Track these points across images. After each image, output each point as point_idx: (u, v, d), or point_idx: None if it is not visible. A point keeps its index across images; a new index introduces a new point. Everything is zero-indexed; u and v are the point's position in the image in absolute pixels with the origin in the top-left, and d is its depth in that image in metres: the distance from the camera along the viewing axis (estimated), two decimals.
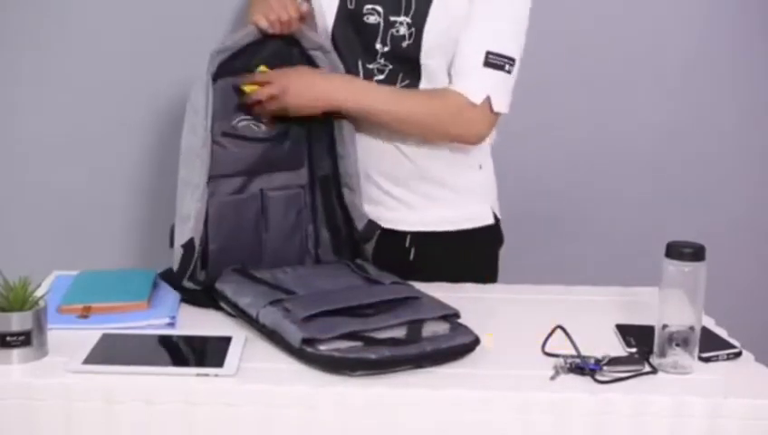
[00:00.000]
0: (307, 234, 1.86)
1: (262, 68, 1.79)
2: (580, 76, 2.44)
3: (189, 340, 1.54)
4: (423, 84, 1.85)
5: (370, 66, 1.85)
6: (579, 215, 2.50)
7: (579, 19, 2.41)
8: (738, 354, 1.53)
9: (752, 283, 2.55)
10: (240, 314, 1.60)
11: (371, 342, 1.44)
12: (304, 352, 1.43)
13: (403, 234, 1.92)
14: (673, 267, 1.43)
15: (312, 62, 1.83)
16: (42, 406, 1.36)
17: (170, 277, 1.70)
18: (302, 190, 1.86)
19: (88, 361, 1.42)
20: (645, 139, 2.48)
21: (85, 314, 1.60)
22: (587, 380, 1.42)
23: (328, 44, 1.83)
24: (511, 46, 1.81)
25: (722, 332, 1.63)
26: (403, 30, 1.82)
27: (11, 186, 2.43)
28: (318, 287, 1.64)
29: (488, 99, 1.80)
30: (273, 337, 1.50)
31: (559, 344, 1.53)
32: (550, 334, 1.54)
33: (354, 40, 1.84)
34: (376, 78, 1.85)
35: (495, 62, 1.79)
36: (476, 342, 1.49)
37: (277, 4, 1.76)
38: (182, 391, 1.37)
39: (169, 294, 1.70)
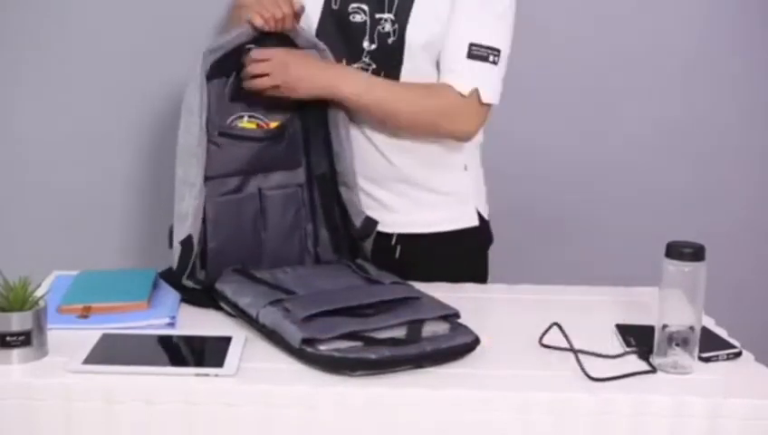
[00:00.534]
0: (306, 233, 1.86)
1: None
2: (580, 76, 2.44)
3: (189, 340, 1.54)
4: (403, 76, 1.84)
5: (355, 65, 1.86)
6: (579, 215, 2.50)
7: (578, 19, 2.41)
8: (738, 354, 1.53)
9: (752, 283, 2.55)
10: (240, 314, 1.60)
11: (371, 342, 1.44)
12: (304, 352, 1.43)
13: (388, 234, 1.92)
14: (673, 267, 1.43)
15: None
16: (42, 406, 1.36)
17: (170, 276, 1.70)
18: (301, 189, 1.86)
19: (88, 361, 1.42)
20: (645, 139, 2.48)
21: (85, 314, 1.60)
22: (587, 379, 1.42)
23: (322, 43, 1.83)
24: (495, 38, 1.82)
25: (722, 332, 1.63)
26: (388, 27, 1.82)
27: (11, 186, 2.43)
28: (318, 287, 1.64)
29: (476, 91, 1.81)
30: (273, 337, 1.50)
31: (559, 340, 1.53)
32: (546, 330, 1.54)
33: (339, 40, 1.85)
34: None
35: (479, 53, 1.80)
36: (476, 342, 1.49)
37: (271, 2, 1.76)
38: (182, 391, 1.37)
39: (169, 294, 1.70)
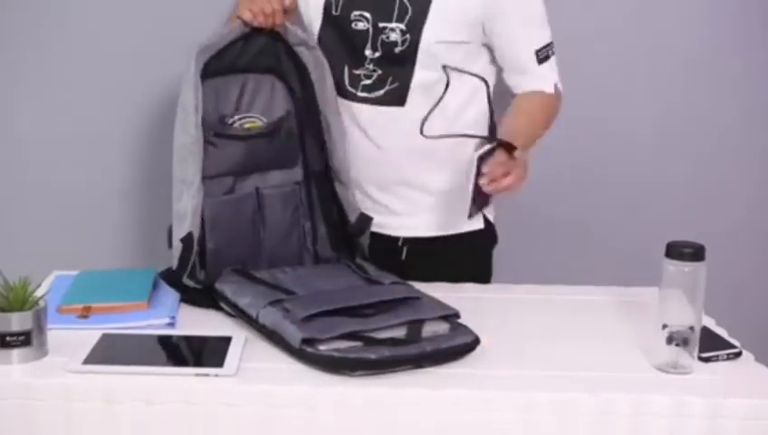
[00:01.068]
0: (305, 231, 1.86)
1: None
2: (580, 76, 2.42)
3: (189, 340, 1.54)
4: (415, 82, 1.85)
5: (357, 72, 1.86)
6: (579, 215, 2.50)
7: (578, 19, 2.41)
8: (738, 354, 1.53)
9: (752, 283, 2.55)
10: (240, 314, 1.60)
11: (371, 342, 1.44)
12: (304, 353, 1.43)
13: (395, 237, 1.93)
14: (673, 267, 1.43)
15: (296, 58, 1.83)
16: (42, 406, 1.36)
17: (170, 276, 1.70)
18: (298, 187, 1.86)
19: (88, 361, 1.42)
20: (645, 138, 2.48)
21: (85, 314, 1.60)
22: (587, 379, 1.42)
23: (312, 40, 1.83)
24: (546, 33, 1.93)
25: (722, 332, 1.63)
26: (395, 36, 1.83)
27: (11, 186, 2.43)
28: (318, 287, 1.64)
29: (556, 86, 1.93)
30: (273, 337, 1.50)
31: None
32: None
33: (340, 46, 1.85)
34: (363, 83, 1.87)
35: (544, 55, 1.93)
36: (476, 342, 1.49)
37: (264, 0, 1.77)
38: (182, 391, 1.37)
39: (169, 294, 1.70)
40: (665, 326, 1.45)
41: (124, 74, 2.36)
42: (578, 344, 1.56)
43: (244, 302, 1.59)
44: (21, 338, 1.41)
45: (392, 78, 1.85)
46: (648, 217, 2.49)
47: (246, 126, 1.81)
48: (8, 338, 1.40)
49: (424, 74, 1.85)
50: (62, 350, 1.45)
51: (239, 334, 1.53)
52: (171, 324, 1.60)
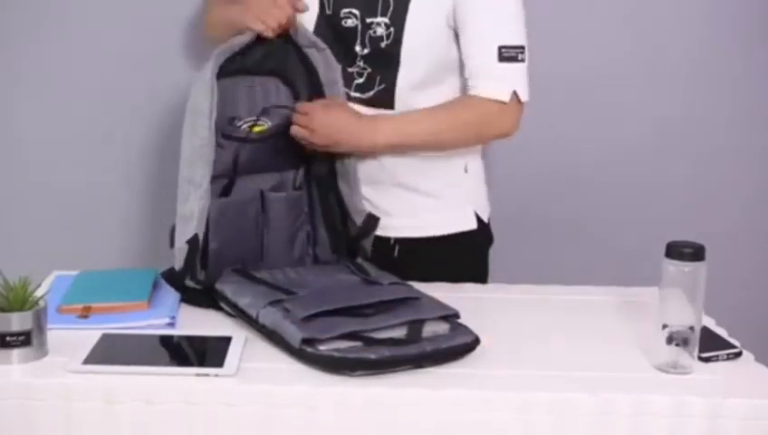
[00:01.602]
0: (306, 234, 1.86)
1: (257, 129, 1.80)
2: (580, 76, 2.44)
3: (189, 340, 1.54)
4: (401, 78, 1.85)
5: (350, 70, 1.86)
6: (579, 215, 2.50)
7: (578, 19, 2.41)
8: (738, 354, 1.53)
9: (752, 283, 2.55)
10: (240, 314, 1.60)
11: (371, 342, 1.44)
12: (304, 353, 1.43)
13: (386, 237, 1.93)
14: (673, 267, 1.43)
15: (306, 60, 1.83)
16: (42, 406, 1.36)
17: (173, 277, 1.70)
18: (300, 190, 1.86)
19: (88, 361, 1.42)
20: (645, 138, 2.48)
21: (85, 314, 1.60)
22: (587, 379, 1.42)
23: (321, 42, 1.82)
24: (518, 36, 1.82)
25: (722, 332, 1.63)
26: (380, 30, 1.83)
27: (11, 186, 2.43)
28: (318, 287, 1.64)
29: (514, 93, 1.82)
30: (273, 337, 1.50)
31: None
32: None
33: (333, 45, 1.84)
34: (356, 81, 1.87)
35: (509, 54, 1.81)
36: (476, 342, 1.49)
37: (273, 6, 1.76)
38: (182, 391, 1.37)
39: (169, 294, 1.70)
40: (665, 326, 1.45)
41: (125, 74, 2.36)
42: (578, 344, 1.56)
43: (244, 302, 1.59)
44: (21, 338, 1.41)
45: (380, 78, 1.86)
46: (648, 217, 2.49)
47: (255, 129, 1.80)
48: (8, 338, 1.40)
49: (409, 75, 1.84)
50: (62, 350, 1.45)
51: (239, 334, 1.53)
52: (171, 324, 1.59)
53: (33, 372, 1.40)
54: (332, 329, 1.44)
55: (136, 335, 1.54)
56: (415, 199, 1.93)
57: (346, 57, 1.86)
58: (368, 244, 1.84)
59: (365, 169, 1.89)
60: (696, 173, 2.51)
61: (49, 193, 2.43)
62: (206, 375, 1.39)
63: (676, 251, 1.43)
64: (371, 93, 1.87)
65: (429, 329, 1.49)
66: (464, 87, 1.88)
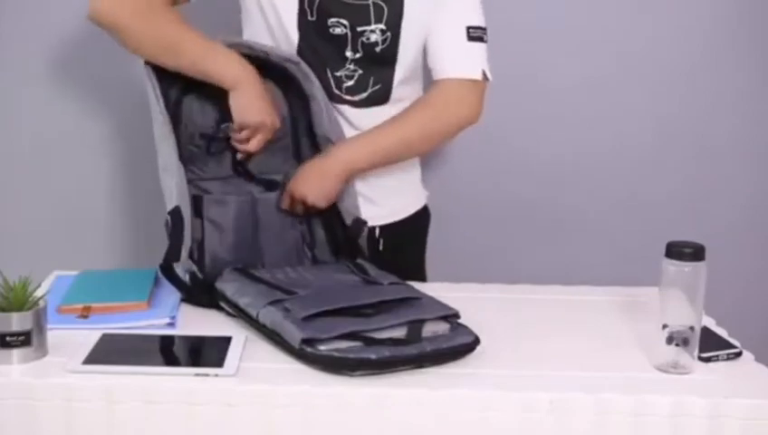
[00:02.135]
0: (302, 234, 1.86)
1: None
2: (580, 76, 2.44)
3: (189, 340, 1.54)
4: (398, 76, 1.87)
5: (338, 73, 1.86)
6: (578, 215, 2.50)
7: (578, 19, 2.41)
8: (738, 354, 1.53)
9: (752, 283, 2.55)
10: (240, 313, 1.60)
11: (371, 342, 1.44)
12: (304, 352, 1.43)
13: (371, 227, 1.92)
14: (673, 267, 1.43)
15: (285, 75, 1.83)
16: (42, 406, 1.36)
17: (164, 263, 1.68)
18: None
19: (88, 361, 1.42)
20: (645, 138, 2.48)
21: (85, 314, 1.60)
22: (587, 379, 1.42)
23: (295, 56, 1.83)
24: (480, 15, 1.86)
25: (722, 332, 1.63)
26: (375, 36, 1.83)
27: (11, 186, 2.43)
28: (318, 287, 1.64)
29: (483, 72, 1.85)
30: (273, 337, 1.50)
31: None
32: None
33: (319, 50, 1.84)
34: (345, 84, 1.87)
35: (476, 35, 1.84)
36: (476, 342, 1.49)
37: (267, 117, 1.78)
38: (182, 391, 1.37)
39: (169, 295, 1.70)
40: (665, 326, 1.45)
41: (125, 75, 2.36)
42: (578, 344, 1.56)
43: (244, 301, 1.59)
44: (21, 338, 1.41)
45: (374, 79, 1.87)
46: (648, 217, 2.49)
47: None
48: (8, 338, 1.40)
49: (403, 71, 1.87)
50: (62, 350, 1.45)
51: (239, 334, 1.53)
52: (171, 324, 1.60)
53: (33, 371, 1.40)
54: (332, 329, 1.44)
55: (136, 335, 1.54)
56: (390, 183, 1.96)
57: (334, 61, 1.86)
58: (363, 244, 1.84)
59: None
60: (696, 173, 2.51)
61: (49, 193, 2.43)
62: (206, 375, 1.39)
63: (676, 251, 1.43)
64: (365, 94, 1.88)
65: (429, 329, 1.49)
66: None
